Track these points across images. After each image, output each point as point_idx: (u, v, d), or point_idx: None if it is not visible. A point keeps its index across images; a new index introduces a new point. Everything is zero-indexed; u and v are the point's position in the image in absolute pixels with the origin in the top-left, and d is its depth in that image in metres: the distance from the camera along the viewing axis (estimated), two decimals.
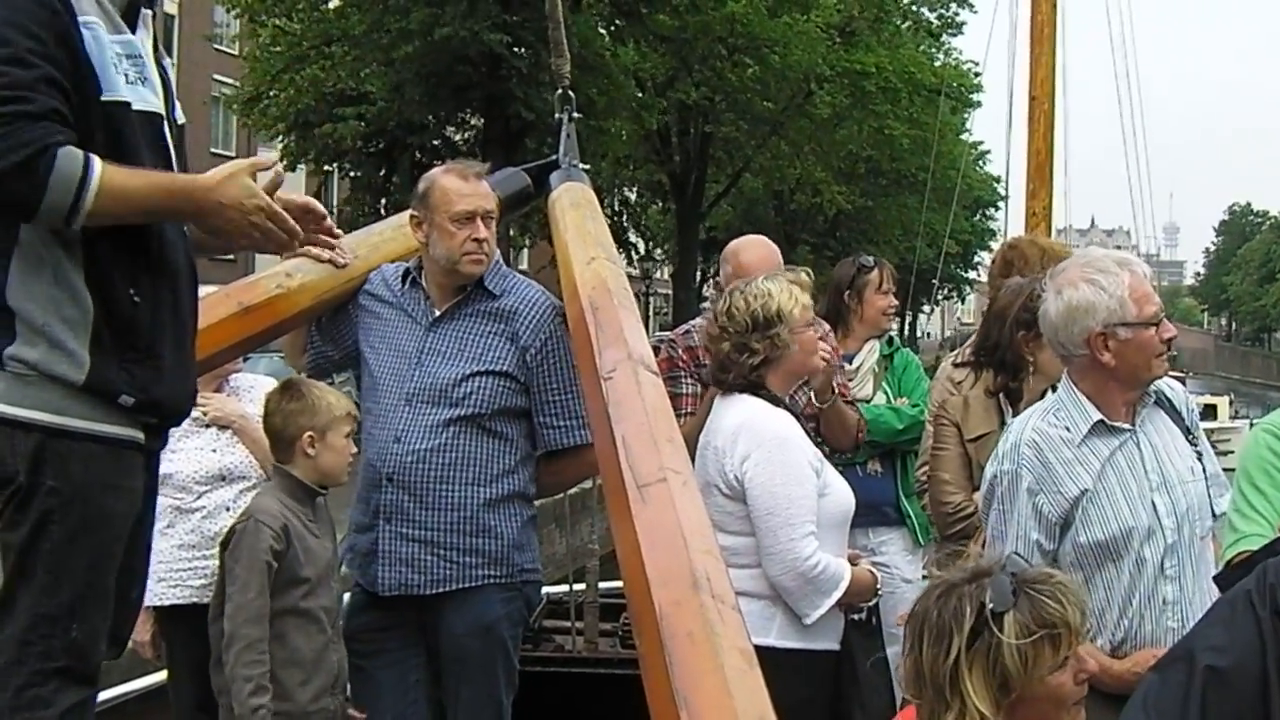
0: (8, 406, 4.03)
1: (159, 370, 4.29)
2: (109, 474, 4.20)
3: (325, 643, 5.73)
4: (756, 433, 5.63)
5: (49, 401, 4.06)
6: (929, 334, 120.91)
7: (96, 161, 4.02)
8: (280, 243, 4.51)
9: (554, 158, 7.26)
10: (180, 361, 4.43)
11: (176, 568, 6.73)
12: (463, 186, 5.88)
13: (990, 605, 3.70)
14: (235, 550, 5.74)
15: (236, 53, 48.78)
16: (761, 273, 6.41)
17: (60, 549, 4.08)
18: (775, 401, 5.79)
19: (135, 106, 4.26)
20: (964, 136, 67.16)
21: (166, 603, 6.73)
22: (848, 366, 7.75)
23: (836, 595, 5.56)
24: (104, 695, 4.52)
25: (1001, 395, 6.25)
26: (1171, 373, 5.32)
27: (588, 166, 7.42)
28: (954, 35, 62.60)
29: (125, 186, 4.08)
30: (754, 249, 7.34)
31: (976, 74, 60.51)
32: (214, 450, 6.91)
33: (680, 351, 6.90)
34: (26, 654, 4.07)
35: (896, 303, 8.27)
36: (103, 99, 4.16)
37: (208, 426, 6.88)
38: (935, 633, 3.74)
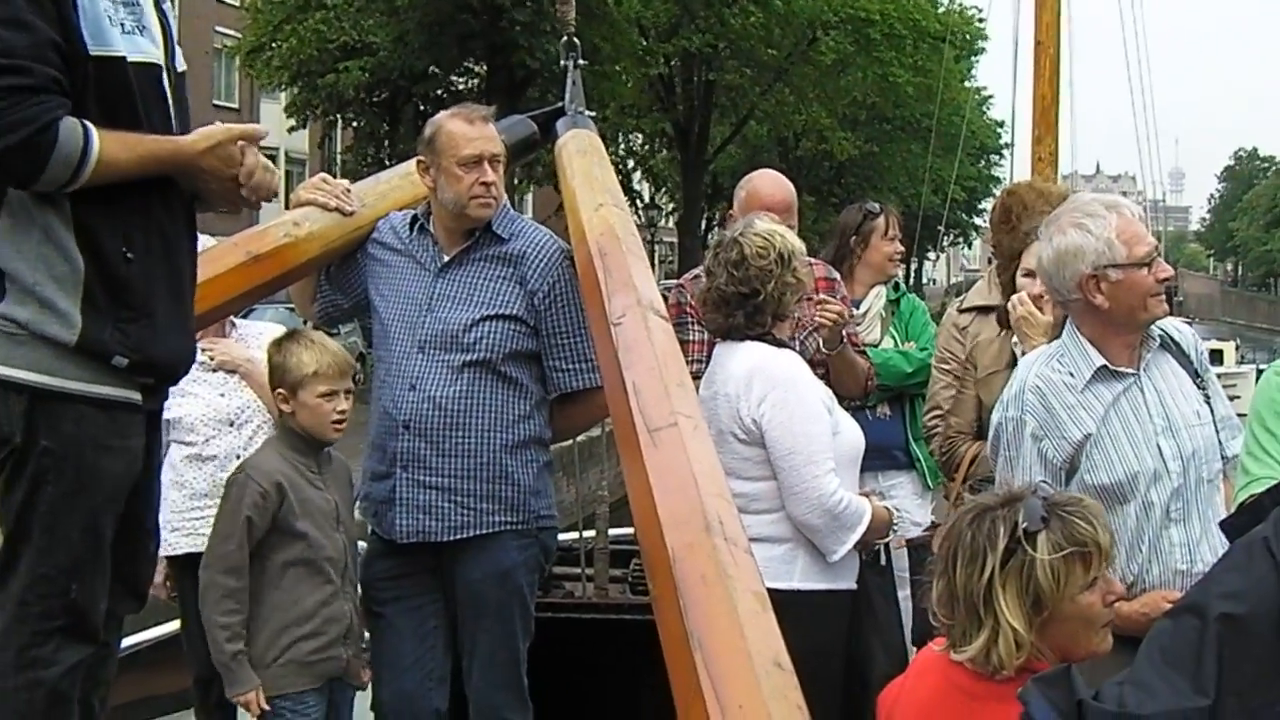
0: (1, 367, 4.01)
1: (154, 329, 4.26)
2: (102, 434, 4.18)
3: (332, 593, 5.76)
4: (769, 375, 5.64)
5: (39, 361, 4.05)
6: (934, 280, 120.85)
7: (94, 134, 4.01)
8: (246, 206, 4.54)
9: (560, 105, 7.25)
10: (177, 318, 4.41)
11: (190, 516, 6.77)
12: (469, 130, 5.87)
13: (1023, 525, 3.77)
14: (223, 502, 5.81)
15: (238, 3, 48.65)
16: (778, 202, 6.46)
17: (55, 509, 4.08)
18: (781, 345, 5.79)
19: (131, 59, 4.20)
20: (968, 83, 66.98)
21: (180, 551, 6.77)
22: (855, 312, 7.76)
23: (860, 530, 5.59)
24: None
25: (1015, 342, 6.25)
26: (1180, 318, 5.32)
27: (593, 114, 7.41)
28: None
29: (119, 158, 4.09)
30: (770, 179, 7.38)
31: (980, 20, 60.29)
32: (221, 395, 6.96)
33: (689, 297, 6.89)
34: (26, 614, 4.09)
35: (902, 249, 8.28)
36: (91, 54, 4.09)
37: (214, 371, 6.91)
38: (969, 554, 3.80)
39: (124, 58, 4.18)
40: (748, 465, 5.52)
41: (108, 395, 4.17)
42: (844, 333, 6.85)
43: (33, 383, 4.03)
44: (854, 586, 5.70)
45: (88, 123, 4.00)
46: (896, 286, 8.32)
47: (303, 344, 5.87)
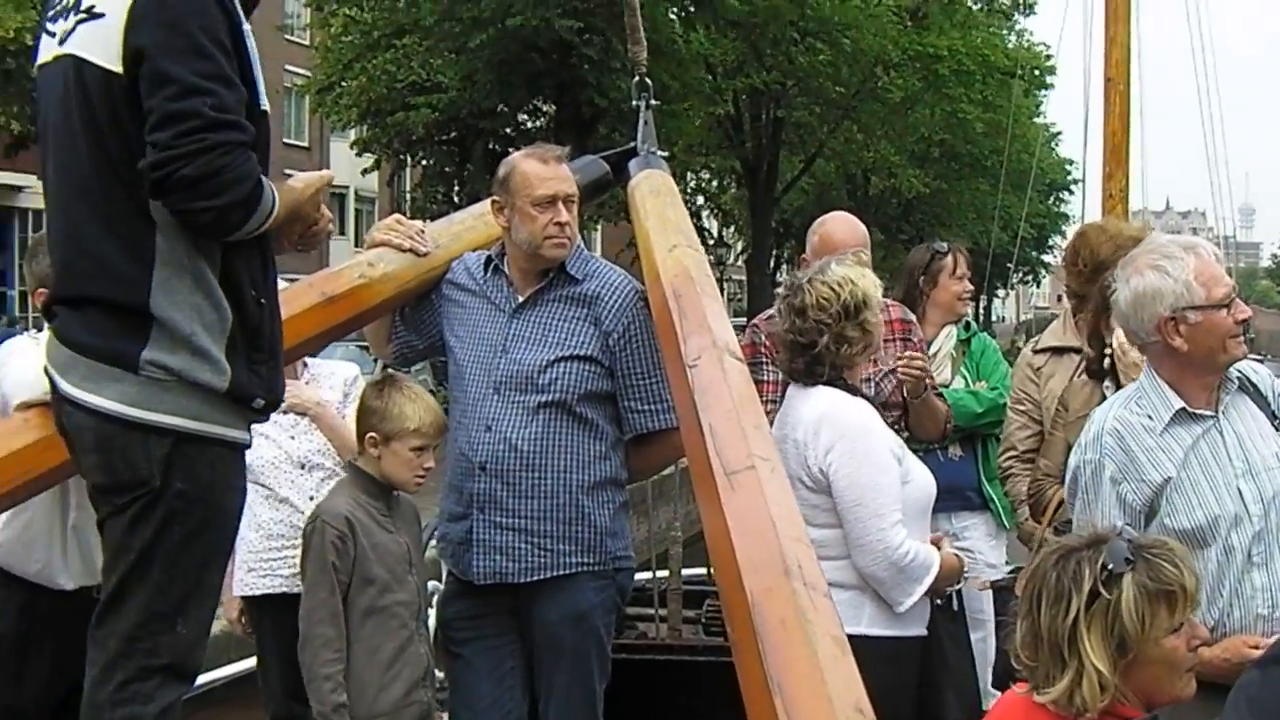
0: (145, 412, 4.14)
1: (278, 369, 4.46)
2: (230, 474, 4.33)
3: (408, 637, 5.75)
4: (838, 424, 5.59)
5: (186, 407, 4.16)
6: (1004, 318, 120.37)
7: (273, 189, 4.21)
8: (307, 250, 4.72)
9: (632, 145, 7.26)
10: (282, 358, 4.58)
11: (265, 557, 6.79)
12: (543, 170, 5.89)
13: (1109, 566, 3.77)
14: (305, 553, 5.80)
15: (308, 43, 48.94)
16: (850, 246, 6.41)
17: (178, 548, 4.18)
18: (853, 391, 5.75)
19: (264, 107, 4.38)
20: (1037, 119, 66.75)
21: (257, 592, 6.80)
22: (926, 352, 7.76)
23: (928, 582, 5.54)
24: None
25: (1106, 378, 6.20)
26: (1250, 355, 5.28)
27: (664, 153, 7.41)
28: (1026, 15, 62.19)
29: (280, 206, 4.27)
30: (842, 222, 7.35)
31: (1049, 55, 60.11)
32: (292, 437, 6.98)
33: (763, 338, 6.89)
34: (134, 649, 4.16)
35: (971, 288, 8.25)
36: (260, 109, 4.32)
37: (285, 413, 6.89)
38: (1054, 594, 3.81)
39: (266, 111, 4.38)
40: (815, 512, 5.47)
41: (237, 438, 4.33)
42: (926, 381, 6.83)
43: (180, 428, 4.15)
44: (924, 633, 5.65)
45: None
46: (968, 326, 8.31)
47: (406, 395, 5.86)
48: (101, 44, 4.14)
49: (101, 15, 4.15)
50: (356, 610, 5.65)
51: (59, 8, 4.34)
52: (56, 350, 4.32)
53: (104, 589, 4.30)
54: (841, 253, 6.08)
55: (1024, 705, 3.91)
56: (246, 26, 4.32)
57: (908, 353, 6.76)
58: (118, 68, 4.11)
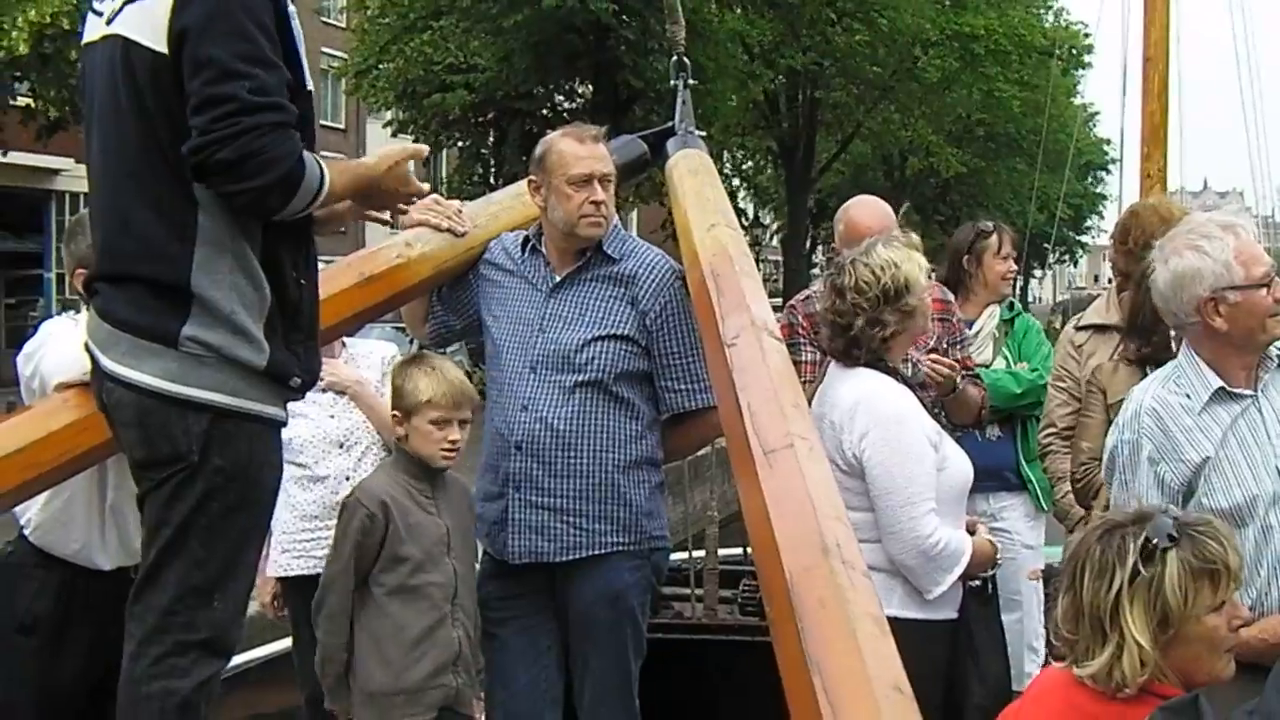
0: (184, 387, 4.21)
1: (315, 349, 4.54)
2: (267, 451, 4.40)
3: (438, 619, 5.71)
4: (874, 410, 5.56)
5: (225, 383, 4.23)
6: (1041, 298, 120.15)
7: (325, 167, 4.28)
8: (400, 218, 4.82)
9: (670, 124, 7.23)
10: (318, 338, 4.66)
11: (300, 538, 6.82)
12: (579, 149, 5.88)
13: (1154, 541, 3.77)
14: (338, 524, 5.82)
15: (344, 25, 48.96)
16: (876, 232, 6.37)
17: (215, 524, 4.23)
18: (893, 374, 5.73)
19: (308, 87, 4.45)
20: (1075, 99, 66.55)
21: (292, 573, 6.82)
22: (968, 332, 7.72)
23: (959, 571, 5.51)
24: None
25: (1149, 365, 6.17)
26: None
27: (704, 133, 7.39)
28: None
29: (337, 185, 4.37)
30: (867, 207, 7.32)
31: (1087, 34, 59.86)
32: (331, 416, 7.01)
33: (800, 318, 6.87)
34: (170, 624, 4.22)
35: (1015, 268, 8.24)
36: (305, 89, 4.39)
37: (324, 392, 6.94)
38: (1097, 569, 3.81)
39: (311, 91, 4.46)
40: (849, 495, 5.39)
41: (275, 415, 4.40)
42: (958, 379, 6.81)
43: (218, 403, 4.23)
44: (954, 616, 5.62)
45: (316, 155, 4.27)
46: (1011, 306, 8.27)
47: (423, 370, 5.84)
48: (149, 25, 4.19)
49: None
50: (386, 587, 5.65)
51: None
52: (97, 327, 4.38)
53: (142, 564, 4.37)
54: (868, 239, 6.03)
55: (1063, 680, 3.90)
56: (292, 8, 4.38)
57: (931, 355, 6.73)
58: (164, 48, 4.17)
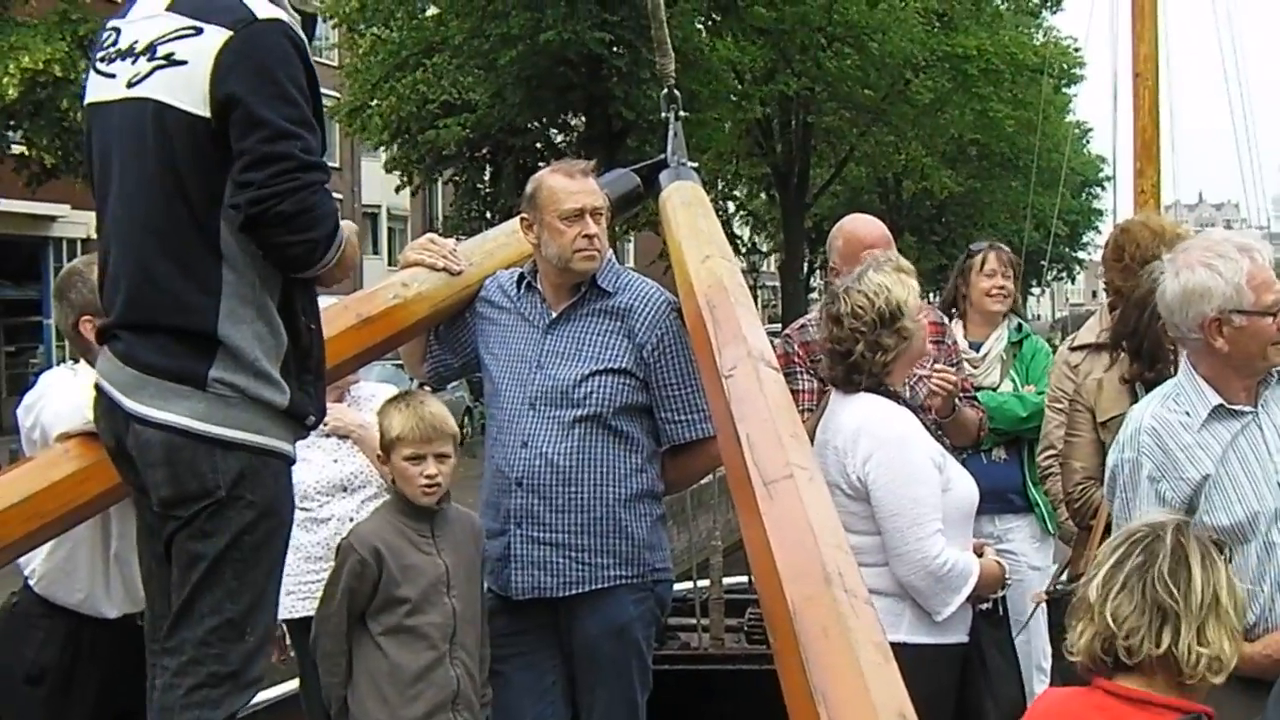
0: (212, 426, 4.37)
1: (323, 389, 4.72)
2: (289, 487, 4.59)
3: (436, 658, 5.65)
4: (877, 433, 5.56)
5: (251, 422, 4.40)
6: (1039, 316, 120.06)
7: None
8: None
9: (663, 157, 7.26)
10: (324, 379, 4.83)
11: (304, 580, 6.80)
12: (569, 184, 5.91)
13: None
14: (334, 567, 5.81)
15: (336, 64, 49.02)
16: (874, 243, 6.40)
17: (249, 558, 4.41)
18: (894, 397, 5.74)
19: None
20: (1068, 116, 66.59)
21: (297, 615, 6.81)
22: (974, 354, 7.74)
23: (967, 591, 5.50)
24: None
25: (1138, 384, 6.17)
26: None
27: (695, 164, 7.41)
28: (1054, 12, 62.16)
29: (343, 245, 4.56)
30: (863, 221, 7.36)
31: (1078, 50, 59.91)
32: (335, 460, 7.00)
33: (796, 347, 6.88)
34: (205, 655, 4.38)
35: (1002, 283, 8.14)
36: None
37: (328, 436, 6.96)
38: (1169, 564, 3.82)
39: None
40: (854, 519, 5.42)
41: (292, 453, 4.59)
42: (955, 401, 6.82)
43: (246, 441, 4.40)
44: (964, 640, 5.61)
45: None
46: (1020, 327, 8.23)
47: (397, 407, 5.81)
48: (185, 89, 4.38)
49: (184, 63, 4.39)
50: (382, 627, 5.63)
51: (114, 49, 4.58)
52: (118, 370, 4.51)
53: (175, 600, 4.47)
54: (869, 251, 6.04)
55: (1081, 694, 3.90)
56: (316, 77, 4.57)
57: (937, 366, 6.74)
58: (204, 112, 4.36)
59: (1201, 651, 3.74)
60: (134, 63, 4.49)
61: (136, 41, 4.51)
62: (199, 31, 4.38)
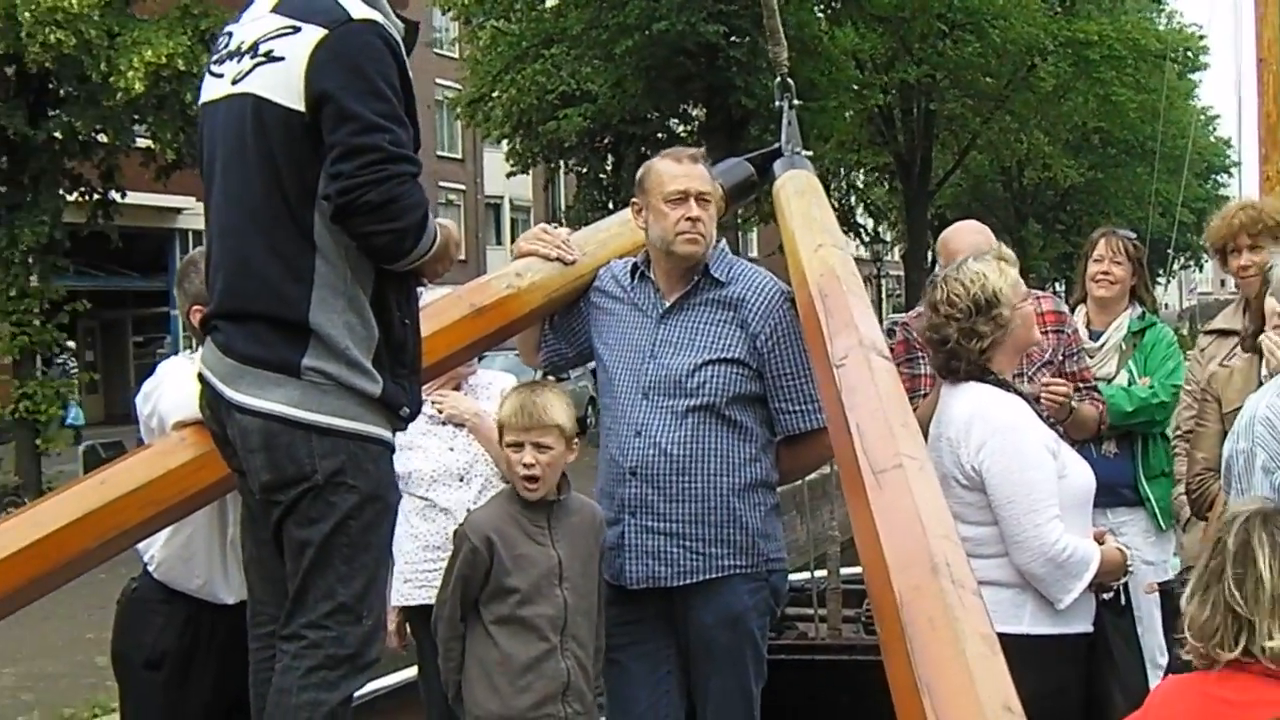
0: (307, 413, 4.50)
1: (418, 385, 4.81)
2: (391, 473, 4.69)
3: (547, 650, 5.66)
4: (989, 421, 5.51)
5: (345, 409, 4.52)
6: (1166, 304, 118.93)
7: (435, 223, 4.62)
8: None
9: (776, 145, 7.25)
10: (420, 375, 4.92)
11: (423, 568, 6.84)
12: (675, 168, 5.93)
13: None
14: (451, 555, 5.86)
15: (457, 56, 49.27)
16: (968, 253, 6.37)
17: (356, 543, 4.53)
18: (1003, 385, 5.70)
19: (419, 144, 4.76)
20: (1193, 102, 65.90)
21: (414, 603, 6.84)
22: (1092, 344, 7.68)
23: (1088, 577, 5.41)
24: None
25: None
26: None
27: (810, 152, 7.39)
28: None
29: (437, 238, 4.66)
30: (964, 236, 7.26)
31: (1202, 36, 59.27)
32: (450, 448, 7.01)
33: (915, 333, 6.85)
34: (323, 639, 4.50)
35: (1108, 269, 8.00)
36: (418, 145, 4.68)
37: (444, 424, 7.00)
38: (1270, 548, 3.81)
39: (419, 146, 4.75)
40: (971, 510, 5.40)
41: (390, 440, 4.68)
42: (1073, 402, 6.79)
43: (340, 427, 4.52)
44: (1088, 629, 5.52)
45: None
46: (1143, 316, 8.11)
47: (511, 394, 5.88)
48: (282, 85, 4.55)
49: (281, 59, 4.55)
50: (493, 616, 5.65)
51: (225, 52, 4.77)
52: (218, 361, 4.66)
53: (290, 586, 4.59)
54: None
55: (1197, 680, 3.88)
56: (411, 79, 4.69)
57: (1045, 380, 6.71)
58: (299, 106, 4.52)
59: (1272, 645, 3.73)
60: (239, 61, 4.66)
61: (243, 42, 4.68)
62: (297, 30, 4.54)
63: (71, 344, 37.97)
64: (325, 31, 4.50)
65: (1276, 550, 3.77)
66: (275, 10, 4.66)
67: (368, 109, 4.44)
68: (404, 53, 4.67)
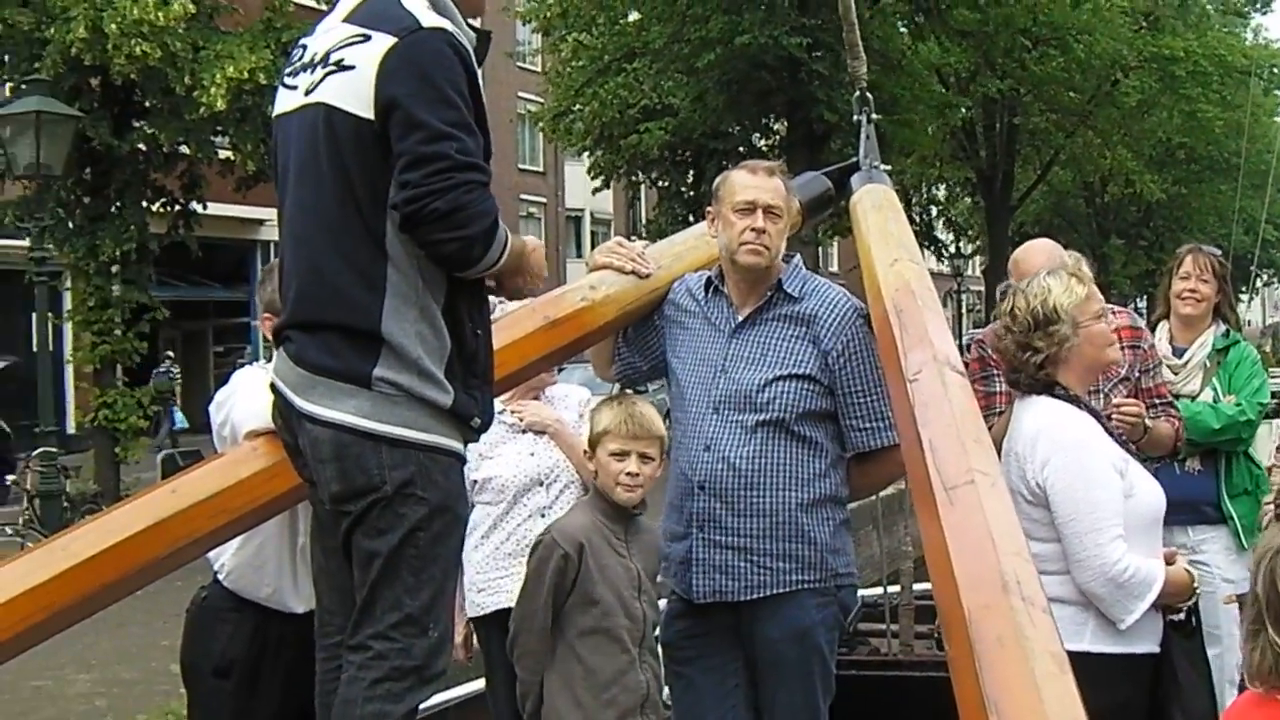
0: (378, 424, 4.50)
1: (490, 395, 4.81)
2: (460, 483, 4.71)
3: (628, 663, 5.74)
4: (1055, 437, 5.49)
5: (416, 420, 4.51)
6: (1250, 321, 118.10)
7: (507, 231, 4.62)
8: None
9: (855, 160, 7.24)
10: (492, 386, 4.92)
11: (493, 575, 6.88)
12: (748, 179, 5.93)
13: None
14: (530, 561, 5.88)
15: (539, 70, 49.40)
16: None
17: (424, 554, 4.53)
18: (1073, 400, 5.66)
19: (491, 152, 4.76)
20: (1278, 118, 65.45)
21: (486, 611, 6.87)
22: (1176, 361, 7.64)
23: (1150, 598, 5.36)
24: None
25: None
26: None
27: (889, 167, 7.38)
28: (1262, 13, 61.20)
29: (512, 249, 4.68)
30: (1035, 257, 7.22)
31: None
32: (531, 454, 7.10)
33: (990, 350, 6.82)
34: (389, 650, 4.50)
35: (1196, 286, 7.96)
36: (489, 154, 4.68)
37: (524, 432, 7.08)
38: None
39: (492, 154, 4.77)
40: (1035, 526, 5.35)
41: (462, 452, 4.69)
42: (1145, 421, 6.74)
43: (410, 439, 4.52)
44: (1154, 650, 5.47)
45: None
46: (1227, 334, 8.05)
47: (610, 404, 5.94)
48: (353, 93, 4.56)
49: (352, 68, 4.56)
50: (577, 629, 5.69)
51: (299, 64, 4.79)
52: (290, 371, 4.68)
53: (358, 597, 4.59)
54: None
55: (1254, 700, 3.84)
56: (481, 86, 4.68)
57: (1116, 401, 6.67)
58: (369, 114, 4.52)
59: None
60: (312, 72, 4.68)
61: (316, 53, 4.71)
62: (367, 39, 4.56)
63: (170, 353, 38.69)
64: (395, 39, 4.51)
65: None
66: (347, 20, 4.68)
67: (435, 117, 4.44)
68: (474, 61, 4.67)
